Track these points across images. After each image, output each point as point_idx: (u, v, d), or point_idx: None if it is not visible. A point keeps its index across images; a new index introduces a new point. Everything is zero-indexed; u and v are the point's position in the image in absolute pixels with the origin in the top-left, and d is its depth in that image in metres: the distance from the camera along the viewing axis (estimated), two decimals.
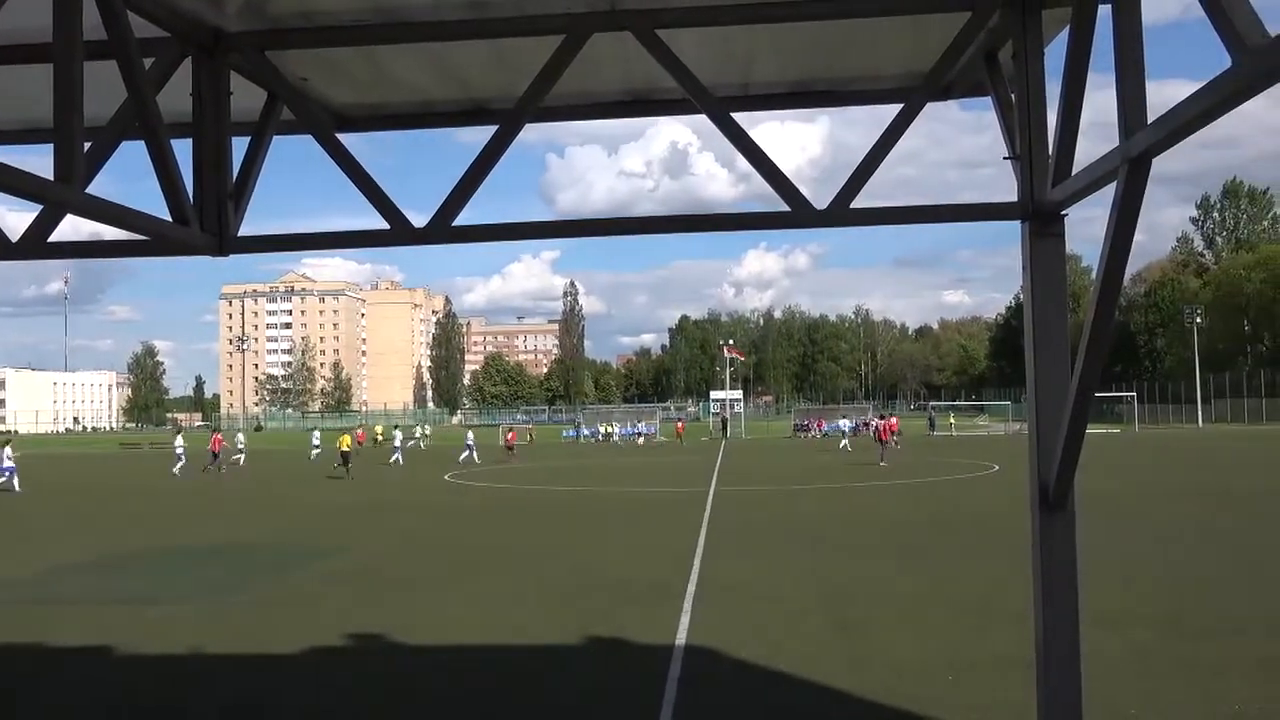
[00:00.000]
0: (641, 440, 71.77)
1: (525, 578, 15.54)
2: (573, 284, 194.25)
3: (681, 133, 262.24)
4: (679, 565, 16.01)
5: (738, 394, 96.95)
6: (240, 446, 52.42)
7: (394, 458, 49.80)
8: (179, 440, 48.28)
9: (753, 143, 5.13)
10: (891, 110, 5.26)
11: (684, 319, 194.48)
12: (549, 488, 33.84)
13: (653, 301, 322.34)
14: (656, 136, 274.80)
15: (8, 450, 37.32)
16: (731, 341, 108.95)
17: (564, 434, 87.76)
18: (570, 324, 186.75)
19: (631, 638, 11.32)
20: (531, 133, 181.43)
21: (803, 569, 15.65)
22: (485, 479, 38.17)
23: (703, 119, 5.20)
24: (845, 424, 60.11)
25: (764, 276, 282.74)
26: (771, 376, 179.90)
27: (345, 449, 42.14)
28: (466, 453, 50.17)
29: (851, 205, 5.05)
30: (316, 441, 58.66)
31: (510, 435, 57.10)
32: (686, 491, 30.28)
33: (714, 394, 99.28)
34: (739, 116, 5.28)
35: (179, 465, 45.14)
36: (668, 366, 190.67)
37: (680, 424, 79.39)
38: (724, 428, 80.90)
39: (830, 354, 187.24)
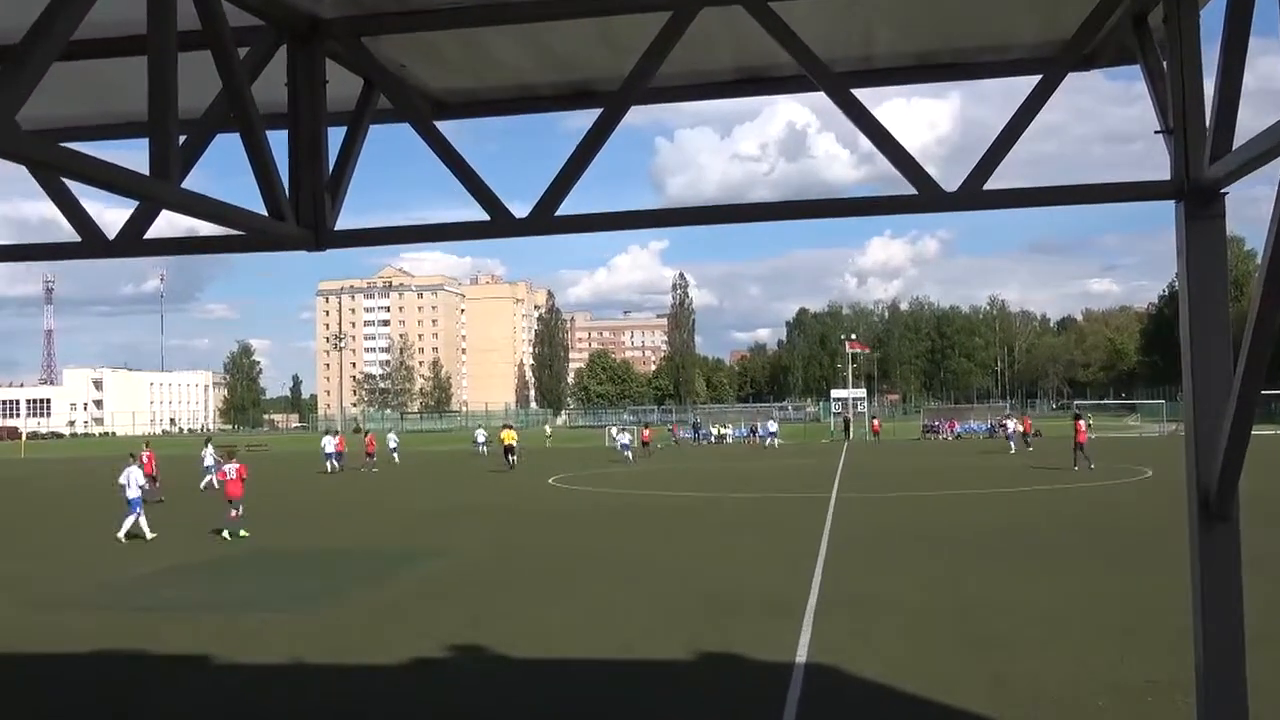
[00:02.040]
0: (770, 442, 70.08)
1: (632, 588, 15.62)
2: (682, 276, 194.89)
3: (799, 112, 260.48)
4: (798, 576, 15.92)
5: (861, 392, 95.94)
6: (393, 446, 58.38)
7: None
8: (328, 440, 51.58)
9: (876, 121, 5.07)
10: (1028, 83, 5.15)
11: (802, 312, 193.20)
12: (658, 492, 33.96)
13: (768, 294, 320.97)
14: (773, 117, 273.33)
15: (210, 449, 39.69)
16: (854, 336, 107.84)
17: (672, 435, 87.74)
18: (680, 318, 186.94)
19: (747, 654, 11.31)
20: (638, 115, 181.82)
21: (934, 580, 15.42)
22: (590, 483, 38.48)
23: (821, 97, 5.15)
24: (1012, 424, 59.47)
25: (889, 265, 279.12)
26: (897, 374, 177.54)
27: (510, 442, 48.38)
28: (625, 450, 54.08)
29: (985, 187, 4.95)
30: (482, 438, 64.71)
31: (645, 433, 63.78)
32: (806, 497, 30.09)
33: (835, 393, 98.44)
34: (861, 93, 5.21)
35: (329, 461, 48.54)
36: (784, 363, 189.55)
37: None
38: (846, 429, 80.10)
39: (962, 349, 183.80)
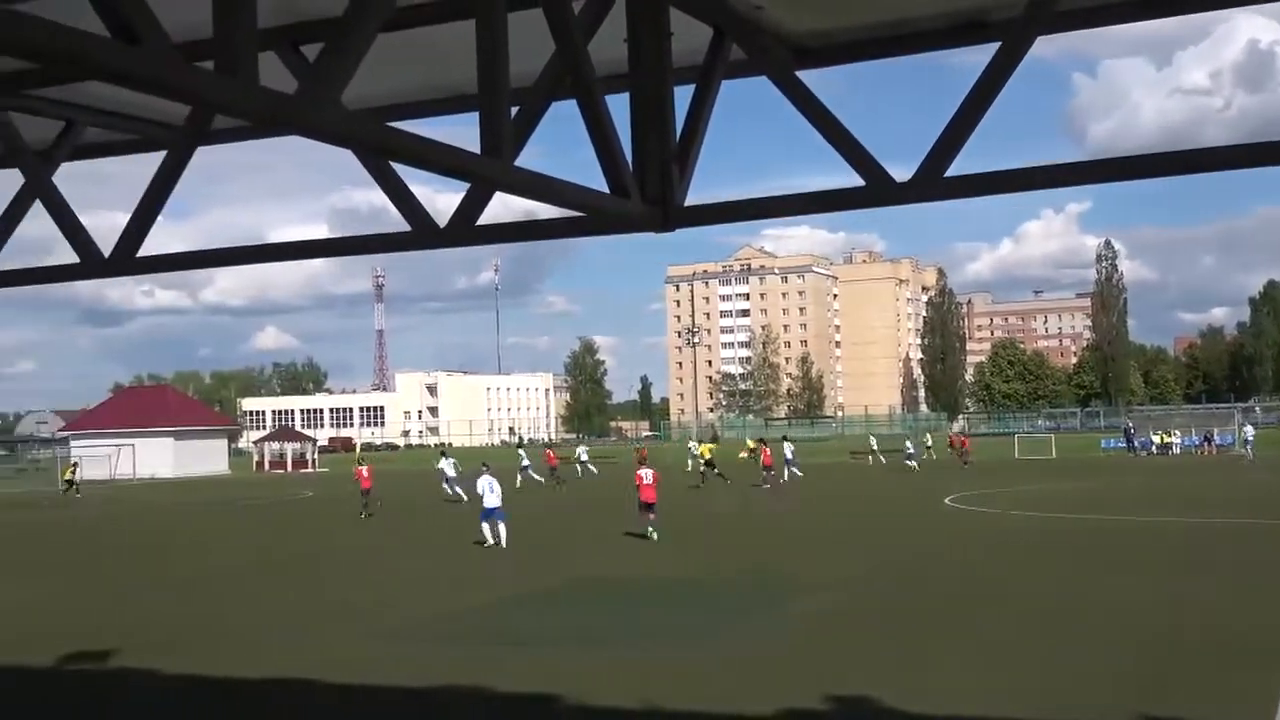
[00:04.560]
0: (1246, 452, 65.29)
1: (1053, 632, 15.17)
2: (1109, 245, 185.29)
3: (1265, 28, 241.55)
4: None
5: None
6: (584, 459, 65.91)
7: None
8: (446, 464, 48.44)
9: None
10: None
11: (1272, 285, 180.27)
12: (1082, 515, 32.75)
13: (1225, 263, 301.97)
14: (1228, 36, 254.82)
15: (450, 461, 44.81)
16: None
17: (1102, 444, 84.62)
18: (1107, 298, 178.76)
19: (1209, 715, 10.73)
20: (1046, 46, 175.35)
21: None
22: (994, 504, 37.63)
23: None
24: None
25: None
26: None
27: (708, 457, 52.64)
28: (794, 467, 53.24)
29: None
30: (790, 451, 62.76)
31: (766, 452, 52.63)
32: None
33: None
34: None
35: (449, 487, 46.17)
36: (1248, 352, 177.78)
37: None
38: None
39: None
